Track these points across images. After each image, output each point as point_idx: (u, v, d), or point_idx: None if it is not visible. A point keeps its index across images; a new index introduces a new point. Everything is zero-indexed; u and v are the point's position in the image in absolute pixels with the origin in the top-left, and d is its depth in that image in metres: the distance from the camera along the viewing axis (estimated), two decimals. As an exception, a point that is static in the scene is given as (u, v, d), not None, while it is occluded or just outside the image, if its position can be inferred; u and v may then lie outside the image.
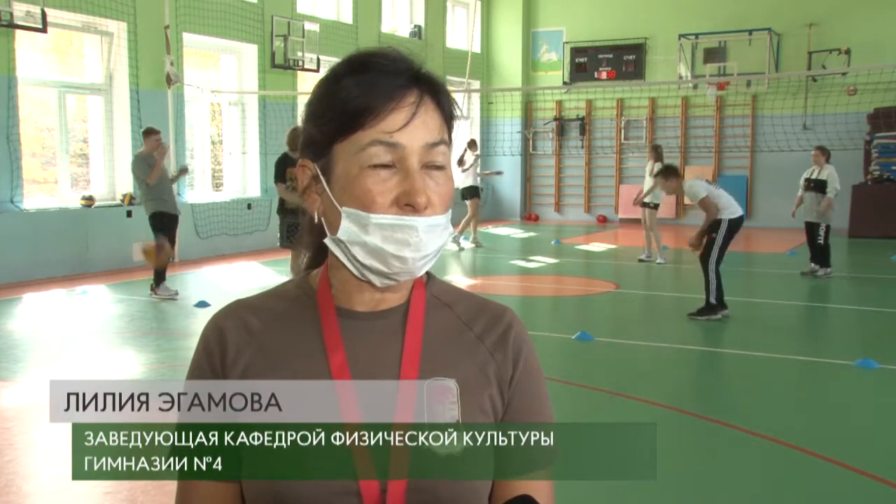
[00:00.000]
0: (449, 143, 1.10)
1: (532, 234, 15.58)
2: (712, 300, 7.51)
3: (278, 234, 8.26)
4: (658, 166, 11.35)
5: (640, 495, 3.67)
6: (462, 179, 12.97)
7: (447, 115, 1.11)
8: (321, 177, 1.09)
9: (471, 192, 13.07)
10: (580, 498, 3.44)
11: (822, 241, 10.00)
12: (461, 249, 12.84)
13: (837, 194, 9.95)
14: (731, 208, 7.53)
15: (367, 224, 1.04)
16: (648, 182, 11.45)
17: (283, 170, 7.89)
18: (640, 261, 11.66)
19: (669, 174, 7.75)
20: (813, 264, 10.18)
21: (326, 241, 1.10)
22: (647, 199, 11.46)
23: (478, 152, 13.44)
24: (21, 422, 4.70)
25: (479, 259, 12.43)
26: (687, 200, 11.31)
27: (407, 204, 1.04)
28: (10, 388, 5.42)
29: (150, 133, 8.93)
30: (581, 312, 8.31)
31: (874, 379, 5.70)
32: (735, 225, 7.55)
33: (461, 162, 13.09)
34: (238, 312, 1.14)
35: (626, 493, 3.65)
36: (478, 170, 13.42)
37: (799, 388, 5.66)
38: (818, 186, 9.97)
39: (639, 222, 17.44)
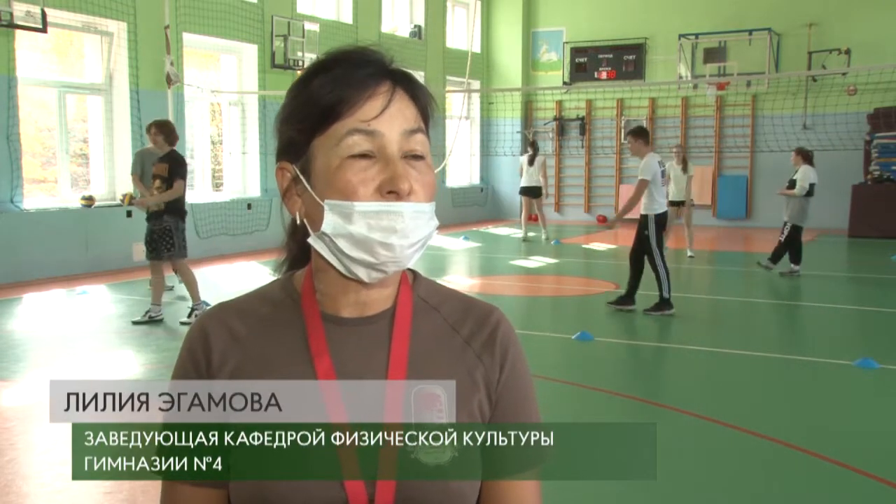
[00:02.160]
0: (427, 133, 1.09)
1: (532, 234, 15.57)
2: (665, 294, 7.63)
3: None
4: (690, 167, 11.74)
5: (640, 495, 3.67)
6: (527, 179, 14.06)
7: (422, 108, 1.10)
8: (301, 176, 1.08)
9: (535, 192, 14.11)
10: (580, 498, 3.45)
11: (781, 238, 10.19)
12: (526, 240, 14.35)
13: (807, 193, 10.06)
14: (658, 203, 7.71)
15: (350, 213, 1.03)
16: (680, 178, 11.69)
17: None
18: (691, 257, 12.01)
19: (641, 136, 7.78)
20: (793, 265, 10.25)
21: (310, 240, 1.08)
22: (673, 198, 11.65)
23: (540, 154, 14.46)
24: (21, 422, 4.70)
25: (480, 259, 12.43)
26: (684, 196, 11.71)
27: (390, 191, 1.03)
28: (10, 388, 5.42)
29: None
30: (581, 312, 8.31)
31: (874, 379, 5.70)
32: (662, 219, 7.76)
33: (531, 161, 14.08)
34: (222, 316, 1.13)
35: (627, 493, 3.65)
36: (537, 170, 14.30)
37: (799, 388, 5.66)
38: (792, 187, 10.23)
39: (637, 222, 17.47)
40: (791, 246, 10.21)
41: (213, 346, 1.10)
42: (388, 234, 1.03)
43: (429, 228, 1.07)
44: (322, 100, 1.06)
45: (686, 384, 5.79)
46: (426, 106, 1.11)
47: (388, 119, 1.05)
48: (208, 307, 7.34)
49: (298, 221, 1.11)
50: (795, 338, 7.40)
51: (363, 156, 1.04)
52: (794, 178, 10.26)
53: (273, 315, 1.13)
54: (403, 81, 1.09)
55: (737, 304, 7.95)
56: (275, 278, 1.20)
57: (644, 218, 7.71)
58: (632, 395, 5.30)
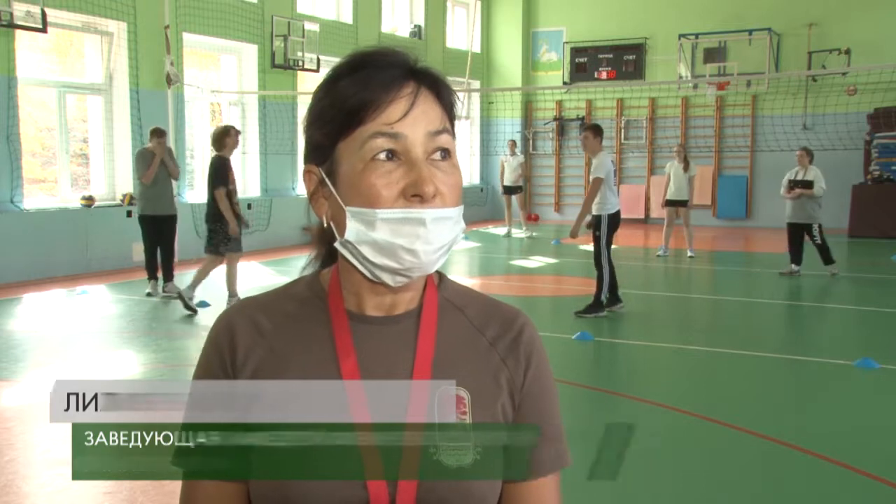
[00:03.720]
0: (452, 132, 1.09)
1: (532, 233, 15.57)
2: (602, 297, 7.63)
3: (207, 240, 8.15)
4: (692, 167, 12.04)
5: (640, 495, 3.67)
6: (511, 178, 15.11)
7: (447, 107, 1.09)
8: (327, 180, 1.08)
9: (516, 189, 15.26)
10: (580, 498, 3.44)
11: (819, 241, 10.04)
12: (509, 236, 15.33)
13: (824, 193, 10.09)
14: (611, 203, 7.66)
15: (373, 221, 1.03)
16: (681, 177, 11.93)
17: (224, 174, 7.69)
18: (691, 257, 12.09)
19: (599, 133, 7.76)
20: (793, 265, 10.22)
21: (336, 244, 1.08)
22: (672, 197, 12.05)
23: (516, 153, 15.54)
24: (21, 422, 4.70)
25: (480, 259, 12.43)
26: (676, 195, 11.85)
27: (414, 195, 1.02)
28: (10, 388, 5.42)
29: (159, 134, 8.97)
30: (581, 312, 8.29)
31: (874, 379, 5.70)
32: (615, 220, 7.70)
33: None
34: (248, 311, 1.13)
35: (627, 492, 3.65)
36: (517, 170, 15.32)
37: (799, 388, 5.66)
38: (805, 187, 10.05)
39: (639, 222, 17.47)
40: (816, 245, 10.10)
41: (238, 341, 1.10)
42: (411, 240, 1.03)
43: (453, 233, 1.06)
44: (345, 103, 1.05)
45: (686, 384, 5.79)
46: (451, 105, 1.10)
47: (412, 122, 1.04)
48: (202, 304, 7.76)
49: (325, 225, 1.10)
50: (795, 338, 7.40)
51: (387, 158, 1.03)
52: (804, 178, 10.05)
53: (299, 312, 1.13)
54: (427, 81, 1.08)
55: (737, 304, 7.95)
56: (301, 276, 1.20)
57: (597, 218, 7.63)
58: (632, 395, 5.30)
